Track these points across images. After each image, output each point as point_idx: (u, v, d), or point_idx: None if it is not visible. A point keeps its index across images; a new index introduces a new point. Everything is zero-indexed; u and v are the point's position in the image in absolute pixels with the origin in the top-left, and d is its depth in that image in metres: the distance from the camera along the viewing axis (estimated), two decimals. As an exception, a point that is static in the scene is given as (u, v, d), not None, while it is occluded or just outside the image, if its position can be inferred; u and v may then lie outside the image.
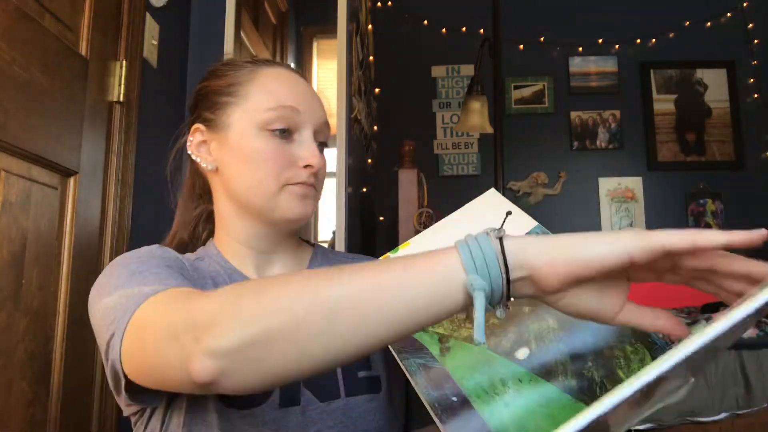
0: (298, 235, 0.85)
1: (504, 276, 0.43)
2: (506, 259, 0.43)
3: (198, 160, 0.78)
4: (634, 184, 3.35)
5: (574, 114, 3.43)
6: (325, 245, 1.16)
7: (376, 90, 3.29)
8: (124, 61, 1.36)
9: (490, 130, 2.57)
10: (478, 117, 2.54)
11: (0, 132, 0.97)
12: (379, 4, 3.44)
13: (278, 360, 0.46)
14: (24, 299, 1.03)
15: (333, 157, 3.27)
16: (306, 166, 0.73)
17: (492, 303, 0.44)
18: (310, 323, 0.45)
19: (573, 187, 3.36)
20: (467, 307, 0.44)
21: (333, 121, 3.10)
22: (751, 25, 3.36)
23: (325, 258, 0.84)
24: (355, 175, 2.45)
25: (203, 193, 0.84)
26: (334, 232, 1.95)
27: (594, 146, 3.41)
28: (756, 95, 3.35)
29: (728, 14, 3.37)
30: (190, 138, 0.78)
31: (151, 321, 0.54)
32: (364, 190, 2.76)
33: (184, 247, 0.83)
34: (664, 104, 3.41)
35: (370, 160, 3.05)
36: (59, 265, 1.14)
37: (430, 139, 3.47)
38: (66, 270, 1.15)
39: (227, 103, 0.75)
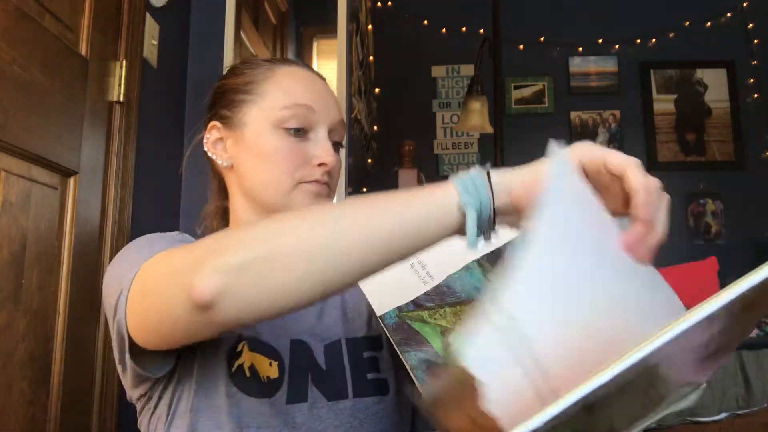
0: None
1: (491, 198, 0.49)
2: (492, 185, 0.49)
3: (214, 157, 0.78)
4: (634, 184, 3.35)
5: (574, 114, 3.43)
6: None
7: (376, 90, 3.29)
8: (124, 61, 1.36)
9: (490, 130, 2.57)
10: (478, 117, 2.54)
11: (0, 132, 0.97)
12: (379, 4, 3.44)
13: (282, 277, 0.47)
14: (24, 299, 1.03)
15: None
16: (320, 165, 0.74)
17: (481, 228, 0.49)
18: (316, 239, 0.48)
19: (573, 187, 3.35)
20: (461, 226, 0.49)
21: (333, 121, 3.10)
22: (751, 25, 3.36)
23: None
24: (355, 175, 2.45)
25: (219, 190, 0.85)
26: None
27: (594, 146, 3.41)
28: (756, 95, 3.35)
29: (728, 14, 3.37)
30: (206, 135, 0.79)
31: (154, 266, 0.55)
32: (364, 190, 2.76)
33: None
34: (664, 104, 3.41)
35: (370, 160, 3.05)
36: (59, 265, 1.14)
37: (430, 139, 3.47)
38: (66, 270, 1.15)
39: (244, 101, 0.76)
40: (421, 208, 0.49)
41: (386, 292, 0.66)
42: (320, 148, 0.74)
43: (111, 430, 1.27)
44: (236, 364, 0.67)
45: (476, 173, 0.50)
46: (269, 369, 0.68)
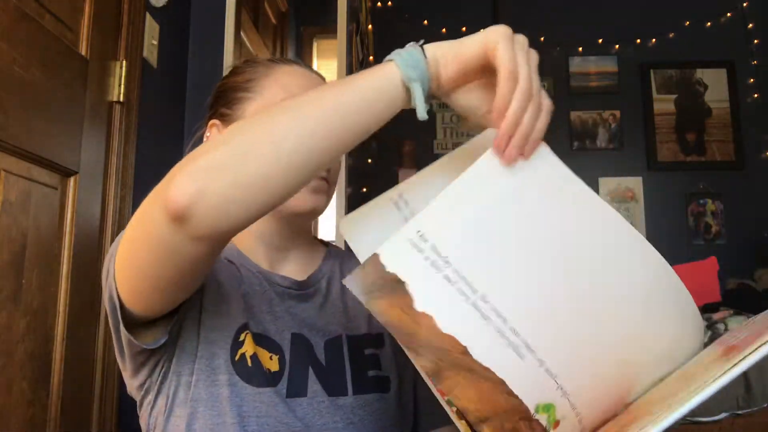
0: (312, 234, 0.86)
1: (428, 70, 0.54)
2: (428, 59, 0.54)
3: None
4: (634, 184, 3.35)
5: (574, 114, 3.43)
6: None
7: (376, 90, 3.29)
8: (124, 61, 1.36)
9: (490, 130, 2.57)
10: (478, 117, 2.54)
11: (0, 132, 0.97)
12: (379, 4, 3.44)
13: (254, 168, 0.49)
14: (24, 299, 1.03)
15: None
16: None
17: (426, 100, 0.54)
18: (282, 124, 0.51)
19: (573, 187, 3.35)
20: (407, 101, 0.55)
21: (333, 121, 3.09)
22: (751, 25, 3.36)
23: (339, 257, 0.84)
24: (355, 175, 2.45)
25: None
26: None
27: (594, 146, 3.41)
28: (756, 95, 3.35)
29: (728, 14, 3.37)
30: (207, 133, 0.80)
31: (137, 211, 0.55)
32: (364, 190, 2.76)
33: None
34: (664, 104, 3.41)
35: (370, 160, 3.05)
36: (59, 265, 1.14)
37: (430, 139, 3.47)
38: (66, 270, 1.15)
39: (243, 99, 0.77)
40: (374, 83, 0.54)
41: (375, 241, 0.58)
42: None
43: (111, 430, 1.27)
44: (240, 352, 0.67)
45: (413, 49, 0.55)
46: (270, 362, 0.69)
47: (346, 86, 0.55)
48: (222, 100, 0.79)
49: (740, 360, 0.40)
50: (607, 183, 3.36)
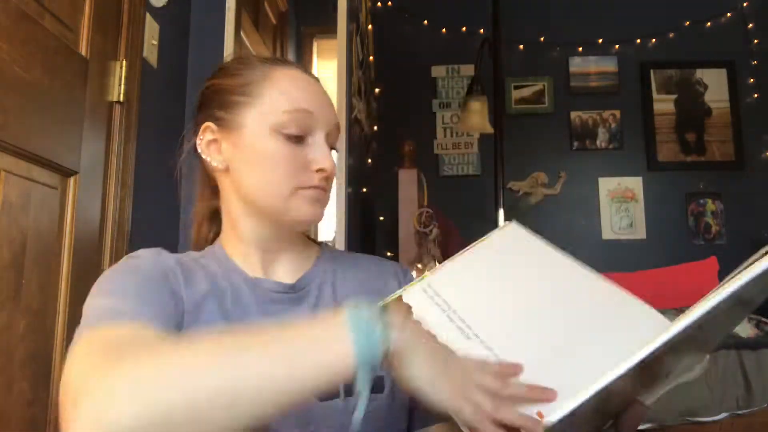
0: (305, 235, 0.86)
1: (381, 354, 0.51)
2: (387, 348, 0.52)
3: (208, 159, 0.77)
4: (634, 184, 3.35)
5: (574, 114, 3.43)
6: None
7: (376, 90, 3.29)
8: (124, 61, 1.36)
9: (490, 130, 2.57)
10: (478, 117, 2.54)
11: (0, 132, 0.97)
12: (379, 4, 3.44)
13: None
14: (24, 299, 1.03)
15: (333, 157, 3.24)
16: (318, 170, 0.73)
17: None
18: (209, 403, 0.46)
19: (573, 187, 3.36)
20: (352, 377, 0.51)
21: (333, 121, 3.09)
22: (751, 25, 3.36)
23: (332, 258, 0.84)
24: (355, 175, 2.45)
25: (211, 191, 0.84)
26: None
27: (594, 146, 3.41)
28: (756, 95, 3.35)
29: (728, 14, 3.38)
30: (200, 136, 0.77)
31: (74, 358, 0.53)
32: (364, 190, 2.76)
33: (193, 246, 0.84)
34: (664, 104, 3.41)
35: (370, 160, 3.05)
36: (59, 265, 1.14)
37: (430, 139, 3.47)
38: (66, 270, 1.15)
39: (241, 103, 0.75)
40: (317, 359, 0.50)
41: None
42: (319, 153, 0.74)
43: (111, 430, 1.27)
44: None
45: (372, 324, 0.51)
46: None
47: (294, 356, 0.50)
48: (215, 102, 0.77)
49: (734, 277, 0.50)
50: (607, 183, 3.36)
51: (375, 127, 3.27)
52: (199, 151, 0.78)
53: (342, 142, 2.02)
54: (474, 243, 0.78)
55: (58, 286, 1.14)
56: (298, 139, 0.73)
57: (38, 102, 1.07)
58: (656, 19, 3.37)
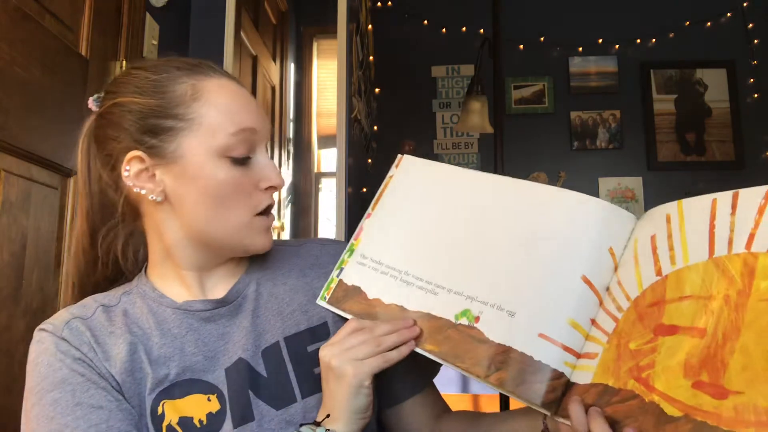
0: None
1: None
2: None
3: (143, 191, 0.67)
4: (634, 184, 3.35)
5: (574, 114, 3.43)
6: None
7: (376, 90, 3.29)
8: (124, 61, 1.36)
9: (490, 130, 2.57)
10: (478, 117, 2.54)
11: (0, 132, 0.97)
12: (379, 4, 3.45)
13: None
14: (24, 299, 1.03)
15: (333, 157, 3.25)
16: (269, 188, 0.69)
17: None
18: None
19: (573, 187, 3.30)
20: None
21: (333, 121, 3.10)
22: (751, 25, 3.36)
23: (267, 253, 0.77)
24: (355, 175, 2.45)
25: (119, 217, 0.73)
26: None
27: (594, 146, 3.41)
28: (756, 95, 3.35)
29: (728, 14, 3.37)
30: (125, 167, 0.67)
31: None
32: (364, 190, 2.75)
33: (108, 282, 0.75)
34: (664, 104, 3.41)
35: (370, 160, 3.05)
36: (59, 265, 1.14)
37: (430, 139, 3.47)
38: (66, 270, 1.15)
39: (175, 129, 0.66)
40: None
41: None
42: (267, 170, 0.69)
43: (111, 430, 1.27)
44: (164, 427, 0.64)
45: None
46: (209, 404, 0.66)
47: None
48: (139, 126, 0.66)
49: None
50: (607, 183, 3.36)
51: (375, 127, 3.27)
52: (129, 183, 0.67)
53: (342, 142, 2.02)
54: (378, 192, 0.80)
55: (58, 286, 1.14)
56: (245, 160, 0.67)
57: (38, 102, 1.07)
58: (656, 19, 3.37)
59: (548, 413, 0.59)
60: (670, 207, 0.64)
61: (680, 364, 0.51)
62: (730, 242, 0.54)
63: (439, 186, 0.75)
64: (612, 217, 0.64)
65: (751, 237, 0.52)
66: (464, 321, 0.64)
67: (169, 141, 0.66)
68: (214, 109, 0.66)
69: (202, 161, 0.65)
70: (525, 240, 0.65)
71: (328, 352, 0.65)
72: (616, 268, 0.62)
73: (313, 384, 0.69)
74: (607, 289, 0.61)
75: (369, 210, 0.79)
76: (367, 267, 0.74)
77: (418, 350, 0.65)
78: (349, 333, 0.66)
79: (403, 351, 0.65)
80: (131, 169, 0.67)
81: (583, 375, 0.58)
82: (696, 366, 0.50)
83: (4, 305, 0.98)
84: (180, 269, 0.71)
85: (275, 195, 0.73)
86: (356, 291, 0.73)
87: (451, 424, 0.76)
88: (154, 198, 0.67)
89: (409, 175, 0.79)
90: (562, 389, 0.58)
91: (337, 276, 0.75)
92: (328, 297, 0.74)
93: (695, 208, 0.60)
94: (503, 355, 0.59)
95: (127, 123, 0.67)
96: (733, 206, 0.55)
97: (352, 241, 0.78)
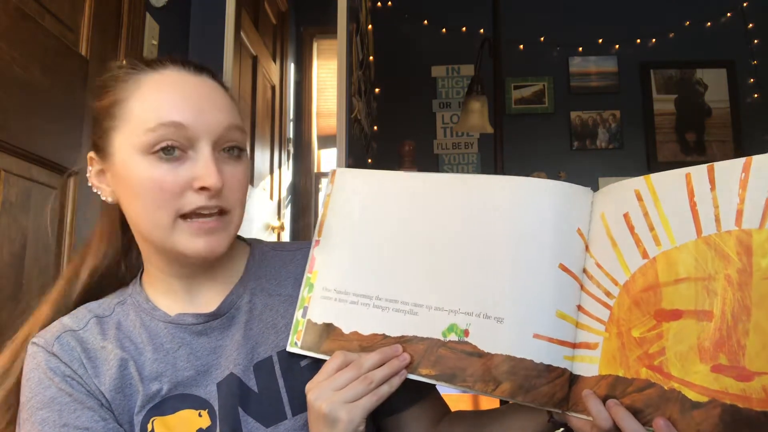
0: (233, 249, 0.75)
1: None
2: None
3: (97, 192, 0.70)
4: (634, 184, 3.35)
5: (574, 114, 3.43)
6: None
7: (376, 90, 3.30)
8: (124, 62, 1.36)
9: (490, 130, 2.57)
10: (478, 117, 2.54)
11: (0, 132, 0.97)
12: (379, 4, 3.45)
13: None
14: (24, 299, 1.03)
15: (333, 157, 3.25)
16: (201, 189, 0.62)
17: None
18: None
19: (573, 187, 3.35)
20: None
21: (333, 121, 3.09)
22: (751, 25, 3.36)
23: (263, 259, 0.76)
24: (355, 175, 2.44)
25: (115, 226, 0.76)
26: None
27: (594, 146, 3.41)
28: (756, 95, 3.35)
29: (728, 14, 3.37)
30: (89, 167, 0.70)
31: None
32: (364, 190, 2.75)
33: (112, 281, 0.76)
34: (664, 104, 3.41)
35: (370, 160, 3.05)
36: (59, 265, 1.14)
37: (430, 139, 3.47)
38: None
39: (110, 128, 0.66)
40: None
41: None
42: (200, 168, 0.62)
43: (111, 430, 1.27)
44: None
45: None
46: (199, 420, 0.65)
47: None
48: (93, 128, 0.69)
49: None
50: (607, 183, 3.34)
51: (375, 127, 3.27)
52: (90, 184, 0.71)
53: (342, 142, 2.02)
54: (321, 215, 0.73)
55: (58, 286, 1.14)
56: (175, 157, 0.62)
57: (38, 102, 1.07)
58: (656, 19, 3.37)
59: (560, 411, 0.58)
60: (637, 182, 0.62)
61: (693, 349, 0.50)
62: (717, 219, 0.52)
63: (381, 197, 0.70)
64: (572, 196, 0.62)
65: (739, 213, 0.51)
66: (453, 337, 0.61)
67: (107, 141, 0.66)
68: (140, 105, 0.64)
69: (126, 159, 0.64)
70: (490, 238, 0.62)
71: (316, 395, 0.61)
72: (587, 247, 0.61)
73: (304, 401, 0.66)
74: (584, 270, 0.60)
75: (315, 237, 0.73)
76: (333, 300, 0.68)
77: (414, 377, 0.62)
78: (336, 369, 0.62)
79: (395, 383, 0.62)
80: (92, 169, 0.70)
81: (584, 366, 0.57)
82: (711, 349, 0.50)
83: (4, 305, 0.98)
84: (165, 276, 0.70)
85: (229, 197, 0.65)
86: (329, 329, 0.67)
87: (452, 428, 0.75)
88: (105, 199, 0.70)
89: (346, 190, 0.72)
90: (568, 384, 0.57)
91: (302, 317, 0.69)
92: (299, 342, 0.68)
93: (667, 183, 0.58)
94: (503, 365, 0.57)
95: (91, 126, 0.71)
96: (711, 181, 0.54)
97: (307, 274, 0.71)
